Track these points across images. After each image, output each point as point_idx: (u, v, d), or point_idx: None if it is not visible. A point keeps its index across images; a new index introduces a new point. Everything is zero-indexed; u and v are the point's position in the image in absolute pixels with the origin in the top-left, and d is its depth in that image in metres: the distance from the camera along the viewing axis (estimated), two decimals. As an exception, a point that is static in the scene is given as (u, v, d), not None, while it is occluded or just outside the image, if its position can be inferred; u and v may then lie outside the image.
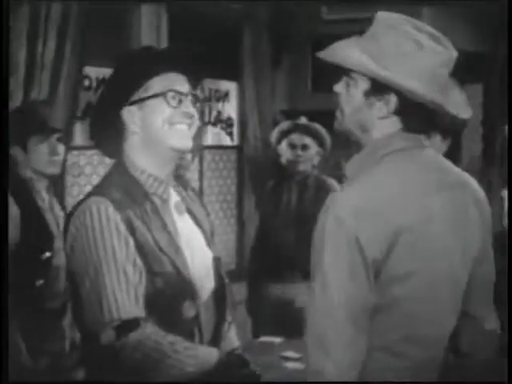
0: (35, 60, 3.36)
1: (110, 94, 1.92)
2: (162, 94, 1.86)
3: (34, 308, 2.83)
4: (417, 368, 1.63)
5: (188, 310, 1.85)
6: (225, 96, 5.15)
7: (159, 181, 1.90)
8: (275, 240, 3.93)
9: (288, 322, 3.53)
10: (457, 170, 1.72)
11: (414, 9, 4.86)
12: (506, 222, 4.16)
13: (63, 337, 2.96)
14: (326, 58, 1.65)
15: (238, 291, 4.13)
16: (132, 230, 1.79)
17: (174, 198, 1.96)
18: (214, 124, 5.08)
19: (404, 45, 1.57)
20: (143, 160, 1.89)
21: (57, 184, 3.46)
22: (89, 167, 4.08)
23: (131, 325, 1.71)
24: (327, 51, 1.65)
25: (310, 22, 5.16)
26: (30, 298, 2.81)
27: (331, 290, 1.51)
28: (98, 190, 1.85)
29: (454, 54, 1.62)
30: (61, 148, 2.95)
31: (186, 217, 1.98)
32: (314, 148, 3.91)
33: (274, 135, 4.08)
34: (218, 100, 5.10)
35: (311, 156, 3.92)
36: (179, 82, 1.90)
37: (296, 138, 3.92)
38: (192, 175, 4.71)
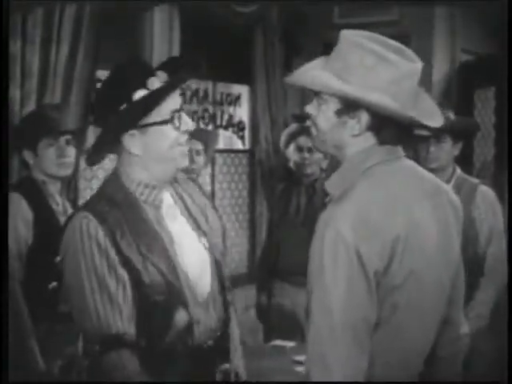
0: (48, 64, 3.38)
1: (114, 122, 1.89)
2: (170, 120, 1.87)
3: (46, 311, 2.84)
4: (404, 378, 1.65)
5: (179, 319, 1.85)
6: (236, 100, 5.16)
7: (151, 187, 1.91)
8: (285, 244, 3.92)
9: (299, 326, 3.52)
10: (433, 177, 1.75)
11: (425, 10, 4.87)
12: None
13: (76, 339, 2.96)
14: (293, 82, 1.68)
15: (250, 295, 4.13)
16: (116, 243, 1.80)
17: (167, 202, 1.96)
18: (226, 128, 5.09)
19: (367, 59, 1.58)
20: (139, 173, 1.90)
21: (70, 187, 3.47)
22: (101, 171, 4.09)
23: (114, 339, 1.74)
24: (294, 75, 1.68)
25: (322, 26, 5.16)
26: (42, 300, 2.82)
27: (331, 307, 1.52)
28: (87, 204, 1.89)
29: (419, 65, 1.63)
30: (71, 150, 2.97)
31: (181, 220, 1.98)
32: None
33: (283, 138, 4.09)
34: (229, 104, 5.10)
35: (318, 159, 3.92)
36: (177, 98, 1.90)
37: (302, 140, 3.93)
38: (204, 179, 4.72)
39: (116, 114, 1.86)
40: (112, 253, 1.79)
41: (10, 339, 2.45)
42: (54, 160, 2.91)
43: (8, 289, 2.55)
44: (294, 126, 4.11)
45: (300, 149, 3.91)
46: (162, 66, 1.94)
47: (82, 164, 3.86)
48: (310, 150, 3.89)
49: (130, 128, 1.86)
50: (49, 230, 2.86)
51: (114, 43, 3.90)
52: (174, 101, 1.88)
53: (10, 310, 2.53)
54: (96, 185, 4.05)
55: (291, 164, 4.01)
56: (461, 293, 1.80)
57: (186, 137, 1.91)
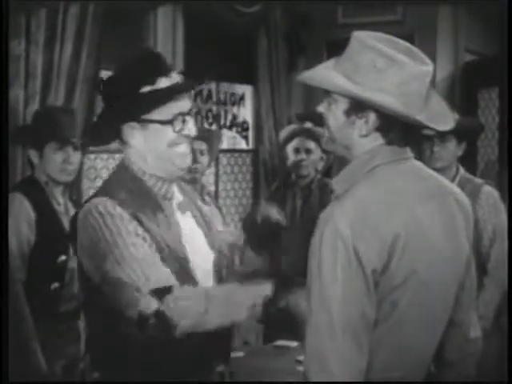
0: (52, 64, 3.38)
1: (115, 110, 1.91)
2: (171, 121, 1.88)
3: (49, 311, 2.84)
4: (405, 379, 1.64)
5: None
6: (240, 100, 5.16)
7: (162, 180, 1.94)
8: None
9: (300, 326, 3.52)
10: (441, 179, 1.74)
11: (429, 10, 4.86)
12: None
13: (78, 339, 2.97)
14: (305, 81, 1.69)
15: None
16: (141, 222, 1.82)
17: (177, 197, 2.00)
18: (230, 128, 5.09)
19: (378, 61, 1.59)
20: (144, 165, 1.93)
21: (73, 188, 3.48)
22: (105, 171, 4.10)
23: (166, 290, 1.74)
24: (306, 75, 1.69)
25: (325, 25, 5.16)
26: (45, 300, 2.82)
27: (330, 305, 1.52)
28: (102, 191, 1.89)
29: (430, 67, 1.62)
30: (76, 157, 2.96)
31: (188, 215, 2.01)
32: (317, 153, 3.91)
33: (280, 139, 4.10)
34: (233, 104, 5.10)
35: (314, 161, 3.92)
36: (185, 101, 1.91)
37: (300, 142, 3.93)
38: (207, 179, 4.72)
39: (119, 103, 1.88)
40: (139, 229, 1.80)
41: (11, 339, 2.45)
42: (59, 165, 2.91)
43: (9, 288, 2.55)
44: (291, 127, 4.12)
45: (297, 150, 3.92)
46: (182, 71, 1.96)
47: (86, 164, 3.88)
48: (307, 151, 3.89)
49: (129, 120, 1.88)
50: (51, 230, 2.87)
51: (118, 43, 3.91)
52: (179, 104, 1.89)
53: (11, 310, 2.53)
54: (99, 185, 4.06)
55: (288, 164, 4.02)
56: (471, 295, 1.78)
57: (185, 140, 1.91)
